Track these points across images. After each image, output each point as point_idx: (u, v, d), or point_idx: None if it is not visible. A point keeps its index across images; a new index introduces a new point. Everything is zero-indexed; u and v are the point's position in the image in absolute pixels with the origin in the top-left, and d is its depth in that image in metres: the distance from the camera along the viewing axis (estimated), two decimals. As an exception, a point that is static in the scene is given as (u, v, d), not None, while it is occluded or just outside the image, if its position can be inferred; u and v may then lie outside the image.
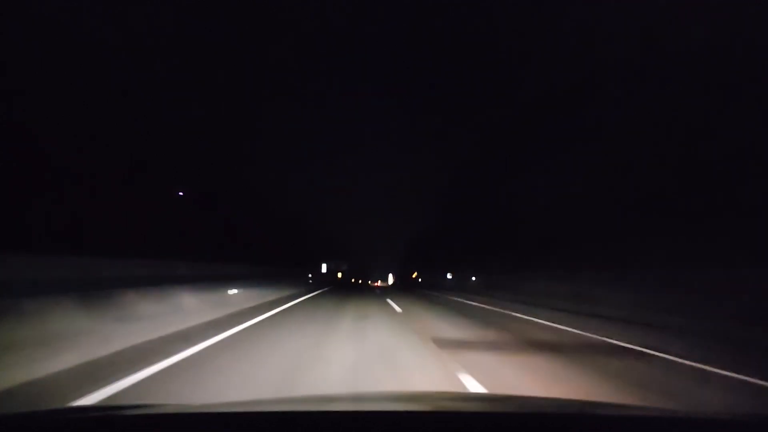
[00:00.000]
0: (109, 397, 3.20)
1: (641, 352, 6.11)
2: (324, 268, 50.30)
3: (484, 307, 13.77)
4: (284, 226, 32.40)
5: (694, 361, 5.42)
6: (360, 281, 79.55)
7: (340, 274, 57.71)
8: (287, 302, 13.15)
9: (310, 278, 30.77)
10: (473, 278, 27.91)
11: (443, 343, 6.22)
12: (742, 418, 1.31)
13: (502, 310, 12.58)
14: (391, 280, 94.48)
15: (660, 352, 5.95)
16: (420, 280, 54.37)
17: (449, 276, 37.26)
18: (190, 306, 8.32)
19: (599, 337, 7.35)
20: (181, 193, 15.04)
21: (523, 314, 11.32)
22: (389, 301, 15.57)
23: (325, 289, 25.86)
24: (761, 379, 4.56)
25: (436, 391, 2.79)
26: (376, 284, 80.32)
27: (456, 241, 36.91)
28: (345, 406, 1.46)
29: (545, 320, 9.90)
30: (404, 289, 31.73)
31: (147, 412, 1.21)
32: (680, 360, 5.53)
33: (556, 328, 8.63)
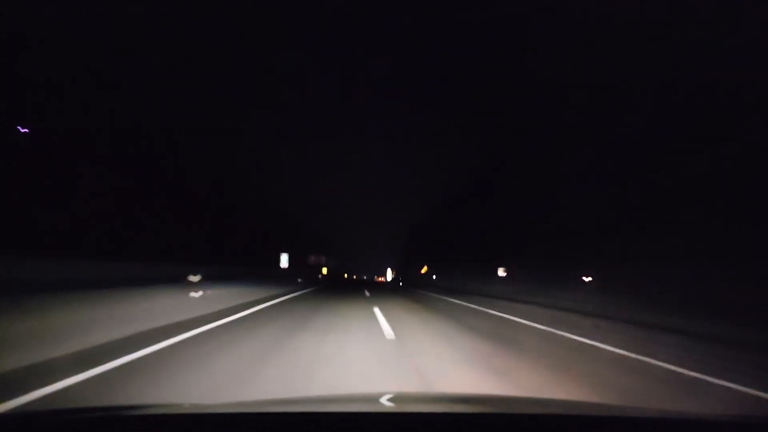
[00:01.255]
0: None
1: None
2: (284, 260, 32.03)
3: None
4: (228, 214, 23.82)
5: None
6: (354, 277, 75.16)
7: (325, 270, 43.26)
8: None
9: (197, 284, 10.19)
10: (587, 278, 14.97)
11: None
12: (743, 420, 1.31)
13: None
14: (390, 275, 75.05)
15: None
16: (434, 277, 34.92)
17: (502, 273, 22.64)
18: None
19: None
20: (24, 129, 11.31)
21: None
22: None
23: (241, 314, 7.22)
24: None
25: (434, 393, 2.79)
26: (380, 280, 70.89)
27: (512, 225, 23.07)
28: (345, 408, 1.46)
29: None
30: (423, 299, 14.11)
31: (147, 412, 1.21)
32: None
33: None
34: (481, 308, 10.78)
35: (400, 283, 40.95)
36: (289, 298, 11.50)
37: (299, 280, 21.78)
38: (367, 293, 16.01)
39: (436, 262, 37.91)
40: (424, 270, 42.32)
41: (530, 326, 7.35)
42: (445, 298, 15.01)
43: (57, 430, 1.05)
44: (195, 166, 19.25)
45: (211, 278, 12.26)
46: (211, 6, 17.67)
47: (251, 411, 1.27)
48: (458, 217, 33.47)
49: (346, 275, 67.61)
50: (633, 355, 4.70)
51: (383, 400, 1.52)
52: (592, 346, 5.46)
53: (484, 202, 27.78)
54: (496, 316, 9.01)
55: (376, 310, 8.43)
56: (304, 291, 15.81)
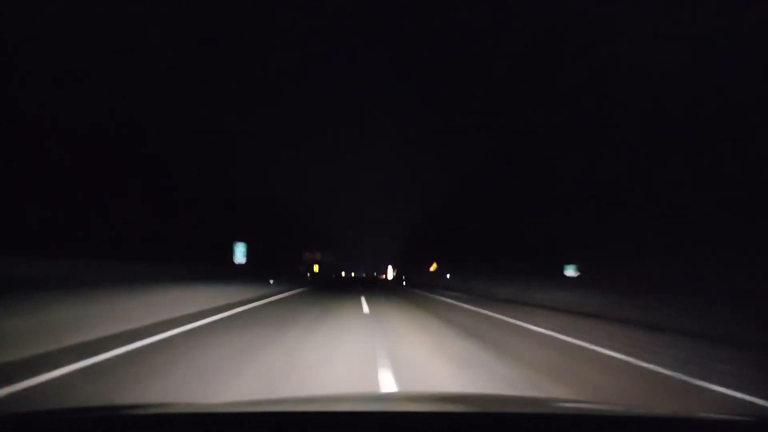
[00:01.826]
0: None
1: None
2: (239, 254, 21.57)
3: None
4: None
5: None
6: (353, 274, 73.34)
7: (316, 267, 40.45)
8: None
9: None
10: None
11: None
12: (742, 419, 1.31)
13: None
14: (390, 274, 67.56)
15: None
16: (448, 276, 27.25)
17: (572, 273, 15.73)
18: None
19: None
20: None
21: None
22: None
23: None
24: None
25: (435, 392, 2.79)
26: (382, 278, 67.45)
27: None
28: (344, 407, 1.46)
29: None
30: (458, 317, 7.99)
31: (147, 412, 1.21)
32: None
33: None
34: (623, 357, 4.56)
35: (404, 283, 35.52)
36: (217, 321, 6.17)
37: (271, 281, 16.29)
38: (366, 307, 9.29)
39: (449, 259, 30.87)
40: (433, 267, 35.35)
41: None
42: (494, 314, 8.59)
43: (57, 430, 1.05)
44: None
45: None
46: (211, 6, 17.68)
47: (251, 410, 1.27)
48: (477, 209, 27.09)
49: (343, 273, 65.21)
50: None
51: (382, 399, 1.53)
52: None
53: (513, 187, 21.41)
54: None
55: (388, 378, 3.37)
56: (267, 300, 10.23)
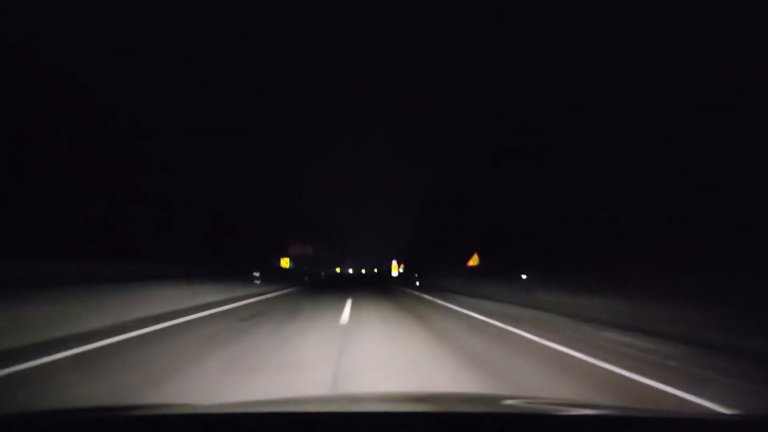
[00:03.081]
0: None
1: None
2: None
3: None
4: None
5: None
6: (351, 271, 65.06)
7: (285, 262, 31.48)
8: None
9: None
10: None
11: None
12: (742, 419, 1.31)
13: None
14: (395, 270, 54.50)
15: None
16: (524, 277, 12.53)
17: None
18: None
19: None
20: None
21: None
22: None
23: None
24: None
25: (434, 392, 2.79)
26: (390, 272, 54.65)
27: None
28: (344, 408, 1.46)
29: None
30: None
31: (147, 412, 1.21)
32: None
33: None
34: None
35: (417, 283, 28.49)
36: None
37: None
38: None
39: (486, 253, 20.79)
40: (473, 261, 24.77)
41: None
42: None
43: (57, 430, 1.05)
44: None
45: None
46: (211, 6, 17.67)
47: (248, 411, 1.27)
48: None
49: (338, 269, 59.81)
50: None
51: (380, 400, 1.53)
52: None
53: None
54: None
55: None
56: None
